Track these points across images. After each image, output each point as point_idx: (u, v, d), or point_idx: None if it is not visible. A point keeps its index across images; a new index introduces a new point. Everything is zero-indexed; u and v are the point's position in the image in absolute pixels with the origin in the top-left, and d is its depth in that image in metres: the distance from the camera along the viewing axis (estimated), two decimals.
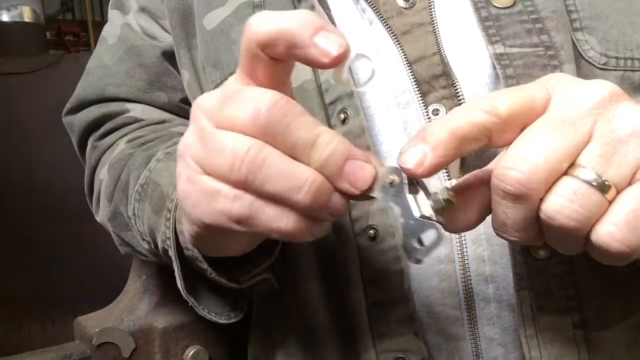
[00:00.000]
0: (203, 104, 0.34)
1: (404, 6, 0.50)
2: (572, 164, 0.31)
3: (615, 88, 0.33)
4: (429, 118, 0.48)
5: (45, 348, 0.65)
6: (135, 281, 0.70)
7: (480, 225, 0.47)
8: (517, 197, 0.31)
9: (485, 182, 0.34)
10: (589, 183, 0.30)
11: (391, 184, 0.33)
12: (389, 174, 0.33)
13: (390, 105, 0.48)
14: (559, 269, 0.45)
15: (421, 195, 0.34)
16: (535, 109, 0.33)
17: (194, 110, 0.35)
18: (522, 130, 0.32)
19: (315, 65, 0.31)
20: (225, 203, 0.33)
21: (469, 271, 0.47)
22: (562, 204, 0.31)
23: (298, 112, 0.31)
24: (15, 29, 2.53)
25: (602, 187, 0.30)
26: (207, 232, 0.36)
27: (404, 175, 0.33)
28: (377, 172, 0.33)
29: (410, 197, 0.33)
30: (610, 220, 0.31)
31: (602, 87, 0.32)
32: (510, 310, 0.47)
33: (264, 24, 0.31)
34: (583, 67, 0.48)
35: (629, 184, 0.31)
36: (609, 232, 0.31)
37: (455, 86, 0.47)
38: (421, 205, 0.34)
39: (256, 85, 0.34)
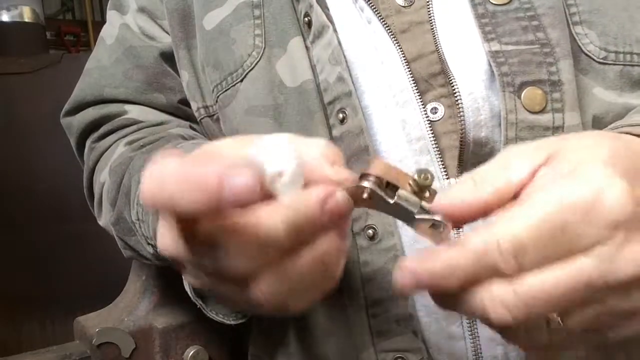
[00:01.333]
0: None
1: (403, 4, 0.50)
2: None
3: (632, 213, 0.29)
4: (427, 116, 0.48)
5: (45, 348, 0.65)
6: (135, 281, 0.70)
7: (479, 222, 0.47)
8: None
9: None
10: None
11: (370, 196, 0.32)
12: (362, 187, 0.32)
13: (388, 105, 0.48)
14: None
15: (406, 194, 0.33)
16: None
17: None
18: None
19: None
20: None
21: None
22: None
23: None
24: (15, 29, 2.53)
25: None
26: None
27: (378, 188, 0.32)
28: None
29: (398, 203, 0.32)
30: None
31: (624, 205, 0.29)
32: None
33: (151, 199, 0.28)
34: (582, 61, 0.48)
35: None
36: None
37: (452, 84, 0.47)
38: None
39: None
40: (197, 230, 0.29)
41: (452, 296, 0.31)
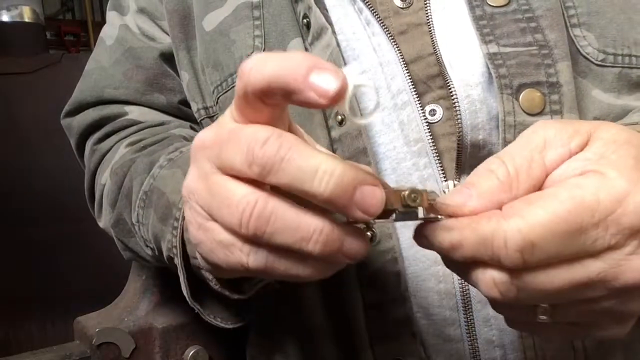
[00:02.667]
0: (203, 145, 0.34)
1: (401, 6, 0.50)
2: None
3: None
4: (426, 118, 0.48)
5: (45, 348, 0.65)
6: (135, 281, 0.70)
7: None
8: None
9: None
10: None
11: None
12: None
13: (387, 106, 0.48)
14: None
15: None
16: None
17: (195, 152, 0.34)
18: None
19: (315, 107, 0.30)
20: (241, 256, 0.32)
21: None
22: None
23: (292, 144, 0.30)
24: (15, 29, 2.53)
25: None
26: (225, 272, 0.37)
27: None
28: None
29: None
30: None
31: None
32: None
33: (258, 73, 0.30)
34: (580, 64, 0.48)
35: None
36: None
37: (450, 87, 0.47)
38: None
39: (252, 121, 0.33)
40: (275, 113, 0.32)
41: (453, 259, 0.32)
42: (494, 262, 0.29)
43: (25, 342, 2.21)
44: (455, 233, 0.30)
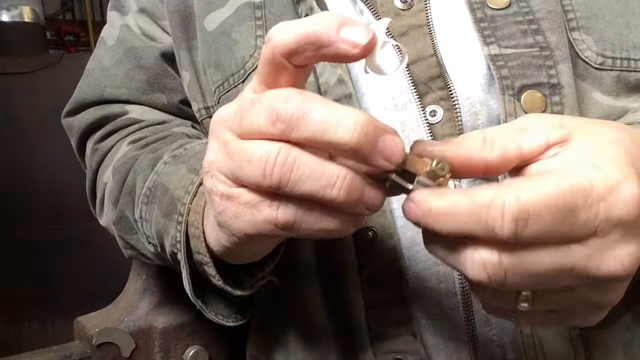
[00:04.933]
0: (223, 118, 0.34)
1: (402, 7, 0.50)
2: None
3: None
4: (426, 119, 0.48)
5: (45, 348, 0.65)
6: (135, 281, 0.70)
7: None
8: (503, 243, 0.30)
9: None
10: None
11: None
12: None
13: (388, 107, 0.48)
14: None
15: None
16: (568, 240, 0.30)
17: (215, 126, 0.35)
18: None
19: (347, 59, 0.31)
20: (271, 212, 0.33)
21: None
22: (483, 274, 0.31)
23: (314, 99, 0.31)
24: (15, 29, 2.53)
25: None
26: (247, 241, 0.37)
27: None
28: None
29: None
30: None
31: (629, 261, 0.30)
32: None
33: (287, 33, 0.31)
34: (579, 67, 0.48)
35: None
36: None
37: (450, 88, 0.47)
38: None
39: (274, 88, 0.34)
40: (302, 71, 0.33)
41: (439, 238, 0.31)
42: (486, 234, 0.29)
43: (25, 342, 2.21)
44: (449, 198, 0.30)
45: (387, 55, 0.32)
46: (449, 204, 0.30)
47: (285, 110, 0.30)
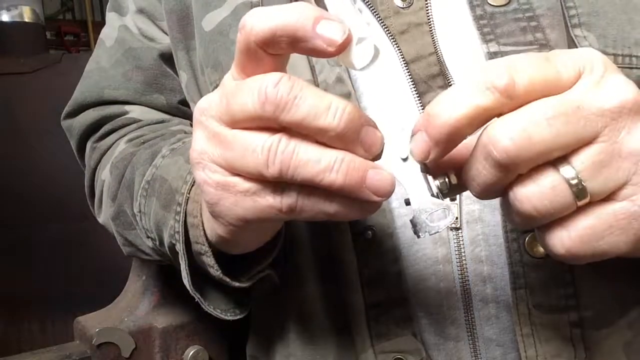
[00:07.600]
0: (207, 107, 0.34)
1: (402, 6, 0.50)
2: (563, 157, 0.31)
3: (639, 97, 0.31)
4: None
5: (45, 348, 0.65)
6: (135, 281, 0.70)
7: (478, 226, 0.47)
8: (498, 165, 0.31)
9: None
10: (569, 184, 0.30)
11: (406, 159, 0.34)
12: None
13: (387, 106, 0.48)
14: (557, 267, 0.45)
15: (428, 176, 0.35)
16: (558, 89, 0.31)
17: (199, 116, 0.35)
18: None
19: (321, 55, 0.32)
20: (273, 199, 0.33)
21: (467, 272, 0.47)
22: (535, 193, 0.31)
23: (303, 84, 0.31)
24: (15, 29, 2.53)
25: (580, 193, 0.30)
26: (244, 229, 0.37)
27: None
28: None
29: (424, 176, 0.34)
30: (568, 227, 0.31)
31: (628, 92, 0.31)
32: (508, 310, 0.48)
33: (262, 22, 0.31)
34: None
35: (604, 199, 0.31)
36: (561, 238, 0.32)
37: (450, 86, 0.47)
38: (431, 185, 0.35)
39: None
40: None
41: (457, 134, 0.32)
42: (489, 100, 0.30)
43: (25, 342, 2.21)
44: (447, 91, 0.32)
45: (362, 51, 0.33)
46: (451, 93, 0.32)
47: (275, 92, 0.31)
